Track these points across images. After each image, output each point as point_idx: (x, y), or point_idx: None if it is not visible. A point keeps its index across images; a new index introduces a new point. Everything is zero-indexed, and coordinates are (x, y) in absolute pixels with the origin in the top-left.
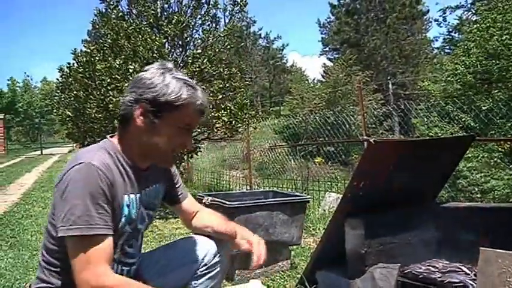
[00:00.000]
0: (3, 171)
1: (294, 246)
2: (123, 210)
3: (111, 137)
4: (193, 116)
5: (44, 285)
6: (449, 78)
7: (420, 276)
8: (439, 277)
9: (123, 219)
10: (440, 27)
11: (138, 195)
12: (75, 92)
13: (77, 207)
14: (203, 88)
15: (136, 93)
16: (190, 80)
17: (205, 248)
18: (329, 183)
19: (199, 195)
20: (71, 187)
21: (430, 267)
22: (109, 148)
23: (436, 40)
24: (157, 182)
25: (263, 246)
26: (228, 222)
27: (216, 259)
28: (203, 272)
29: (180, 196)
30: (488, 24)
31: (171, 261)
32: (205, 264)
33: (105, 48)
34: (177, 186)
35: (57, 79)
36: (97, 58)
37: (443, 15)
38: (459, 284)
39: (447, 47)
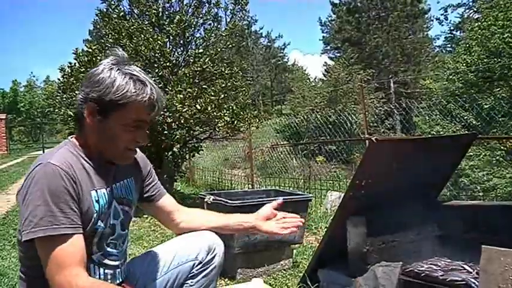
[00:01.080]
0: (5, 171)
1: (296, 245)
2: (94, 207)
3: (71, 137)
4: (142, 111)
5: None
6: (450, 77)
7: (422, 275)
8: (441, 275)
9: (94, 216)
10: (442, 25)
11: (108, 189)
12: (76, 92)
13: (39, 209)
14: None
15: (84, 91)
16: (141, 73)
17: (198, 246)
18: (331, 182)
19: (201, 194)
20: (31, 189)
21: (432, 266)
22: (70, 146)
23: (438, 38)
24: (128, 176)
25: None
26: (226, 215)
27: (210, 256)
28: (199, 271)
29: (157, 193)
30: (489, 22)
31: (164, 263)
32: (200, 262)
33: (106, 47)
34: (153, 183)
35: (59, 79)
36: (98, 58)
37: (445, 13)
38: (461, 283)
39: (449, 46)
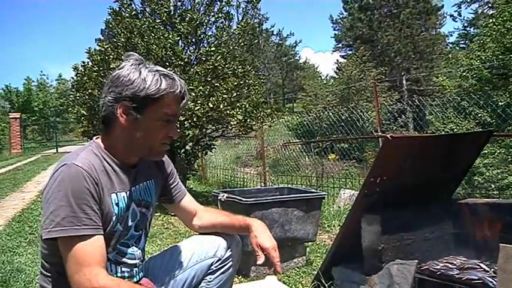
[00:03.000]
0: (20, 169)
1: (309, 243)
2: (113, 209)
3: (96, 138)
4: (175, 104)
5: None
6: (464, 74)
7: (438, 273)
8: (457, 274)
9: (113, 219)
10: (455, 21)
11: (127, 192)
12: (89, 91)
13: (61, 209)
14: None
15: (115, 92)
16: (166, 70)
17: (216, 243)
18: (343, 179)
19: (215, 192)
20: (55, 189)
21: (448, 264)
22: (94, 148)
23: (451, 35)
24: (149, 178)
25: (277, 254)
26: (237, 217)
27: (228, 253)
28: (217, 267)
29: (178, 194)
30: (505, 18)
31: (183, 260)
32: (219, 259)
33: (119, 46)
34: (174, 184)
35: (72, 78)
36: (111, 56)
37: (458, 9)
38: (478, 282)
39: (462, 42)
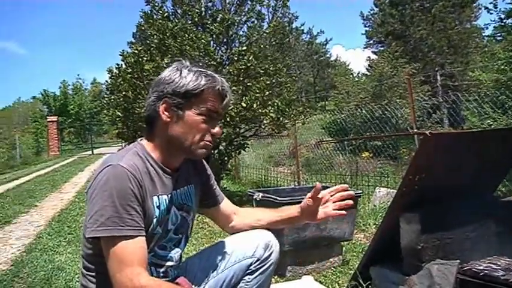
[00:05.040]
0: (58, 170)
1: (345, 242)
2: (154, 212)
3: (140, 140)
4: (216, 100)
5: None
6: (502, 67)
7: (481, 274)
8: (502, 275)
9: (154, 221)
10: (491, 14)
11: (169, 195)
12: (124, 93)
13: (106, 209)
14: (247, 85)
15: (157, 91)
16: (206, 69)
17: (255, 243)
18: (378, 178)
19: (250, 192)
20: (100, 189)
21: (492, 265)
22: (139, 150)
23: (487, 28)
24: (189, 183)
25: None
26: (279, 209)
27: (267, 253)
28: (256, 267)
29: (218, 197)
30: None
31: (222, 260)
32: (258, 260)
33: (152, 48)
34: (214, 188)
35: (107, 80)
36: (145, 58)
37: (494, 1)
38: None
39: (498, 35)
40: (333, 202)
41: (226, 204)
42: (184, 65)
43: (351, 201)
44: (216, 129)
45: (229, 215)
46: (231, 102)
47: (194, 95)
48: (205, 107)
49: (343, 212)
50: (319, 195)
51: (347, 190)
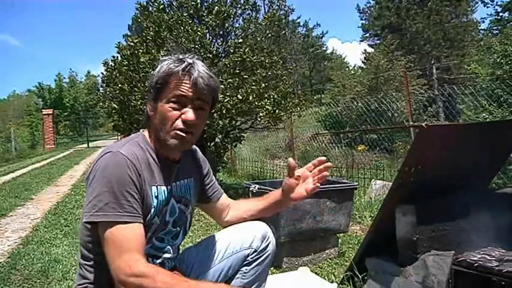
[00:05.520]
0: (53, 163)
1: (341, 234)
2: (152, 202)
3: (143, 131)
4: (182, 84)
5: (84, 281)
6: (498, 60)
7: (475, 265)
8: (496, 266)
9: (152, 211)
10: (487, 7)
11: (168, 187)
12: (120, 85)
13: (105, 195)
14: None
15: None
16: (191, 58)
17: (252, 234)
18: (374, 170)
19: (246, 183)
20: (99, 175)
21: (486, 256)
22: (140, 140)
23: (483, 21)
24: (189, 176)
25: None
26: (265, 196)
27: (264, 244)
28: (253, 258)
29: (215, 193)
30: None
31: (219, 251)
32: (255, 251)
33: (148, 40)
34: (211, 183)
35: (102, 73)
36: (140, 51)
37: None
38: None
39: (495, 28)
40: (313, 177)
41: (223, 199)
42: (169, 57)
43: (326, 173)
44: (188, 115)
45: (224, 209)
46: (213, 84)
47: (161, 84)
48: (172, 94)
49: (317, 185)
50: (297, 173)
51: (324, 162)
